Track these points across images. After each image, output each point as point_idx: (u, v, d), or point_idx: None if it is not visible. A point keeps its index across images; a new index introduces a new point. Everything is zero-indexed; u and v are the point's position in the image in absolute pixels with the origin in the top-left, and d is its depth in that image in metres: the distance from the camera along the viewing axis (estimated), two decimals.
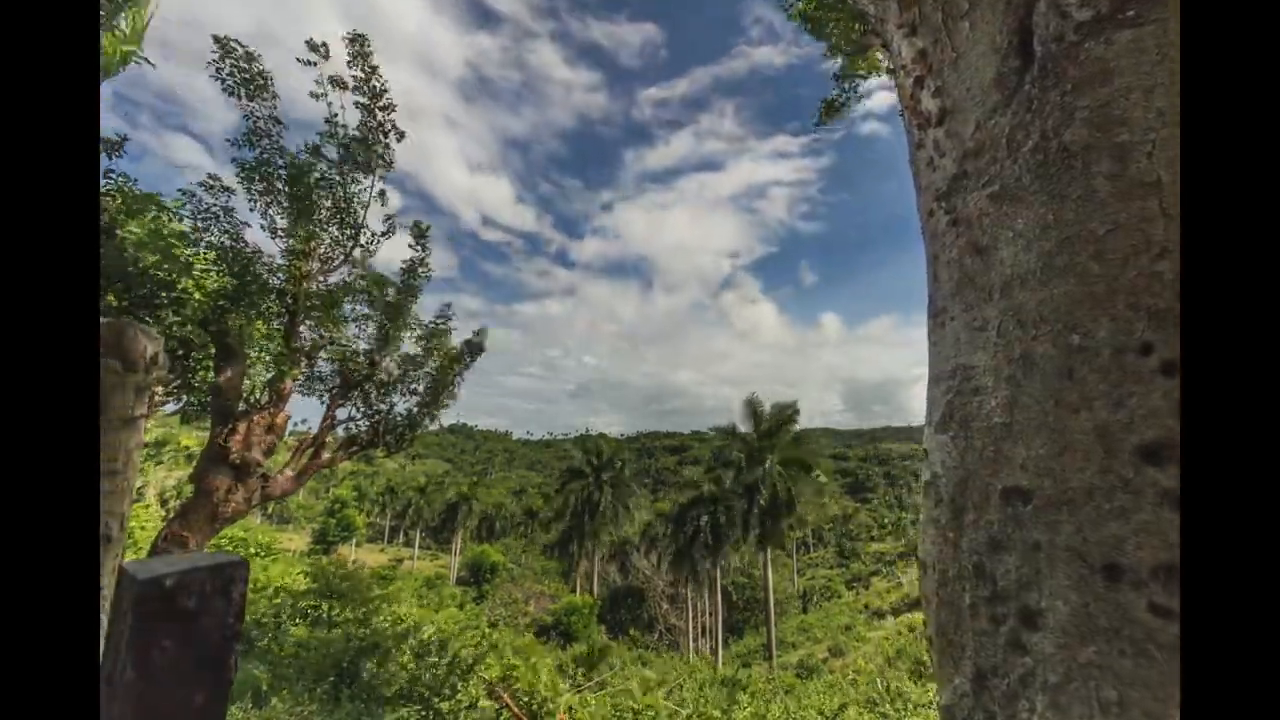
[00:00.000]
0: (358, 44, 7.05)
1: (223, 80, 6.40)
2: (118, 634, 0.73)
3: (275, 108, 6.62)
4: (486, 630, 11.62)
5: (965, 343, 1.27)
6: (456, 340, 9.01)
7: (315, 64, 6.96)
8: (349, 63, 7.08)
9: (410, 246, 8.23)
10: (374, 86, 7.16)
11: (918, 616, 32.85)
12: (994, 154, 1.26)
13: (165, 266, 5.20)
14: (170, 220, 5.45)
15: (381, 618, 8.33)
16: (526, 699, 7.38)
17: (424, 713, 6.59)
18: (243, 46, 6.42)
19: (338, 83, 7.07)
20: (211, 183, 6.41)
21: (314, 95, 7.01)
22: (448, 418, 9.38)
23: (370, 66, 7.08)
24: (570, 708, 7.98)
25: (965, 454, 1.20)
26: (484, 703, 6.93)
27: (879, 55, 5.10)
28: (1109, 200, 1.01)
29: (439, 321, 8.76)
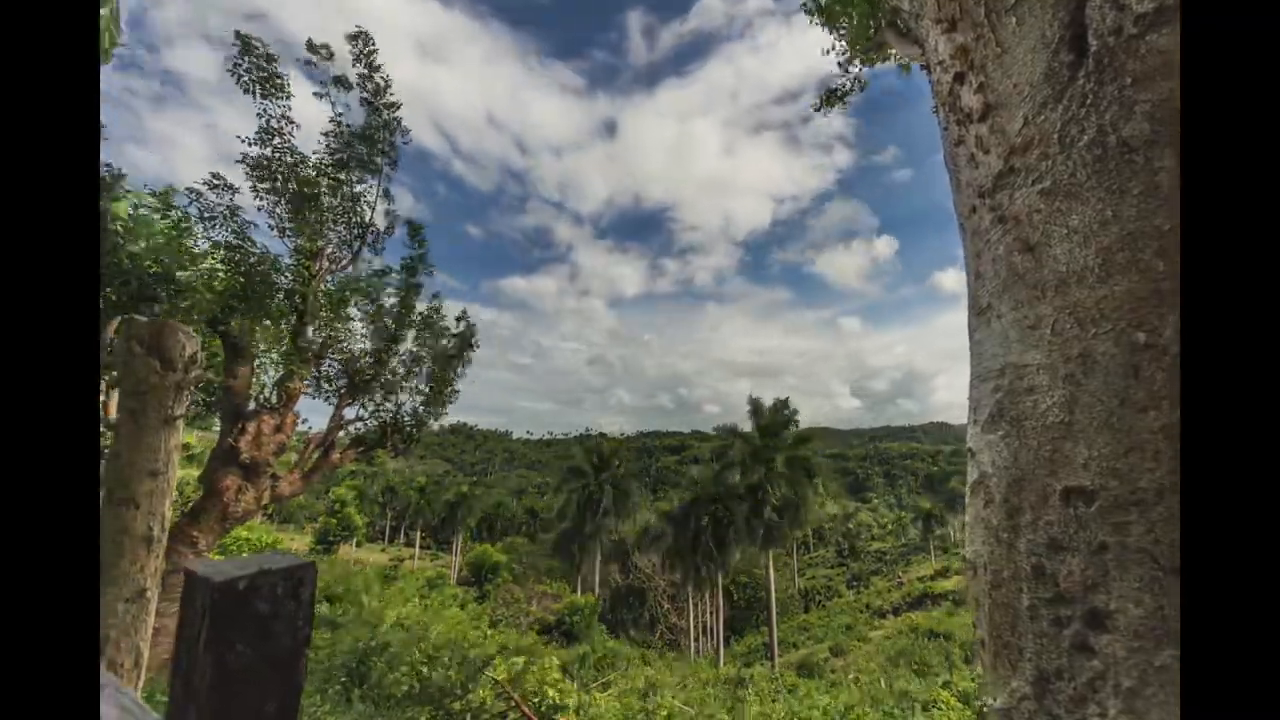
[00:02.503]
0: (360, 42, 7.18)
1: (239, 77, 6.38)
2: (191, 637, 0.71)
3: (289, 107, 6.62)
4: (489, 631, 11.61)
5: (1015, 341, 1.25)
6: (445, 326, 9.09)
7: (315, 64, 7.05)
8: (353, 60, 7.21)
9: (405, 245, 8.34)
10: (377, 83, 7.28)
11: (919, 616, 32.86)
12: (1044, 149, 1.24)
13: (156, 256, 5.11)
14: (145, 198, 5.37)
15: (388, 622, 8.33)
16: (535, 700, 7.38)
17: (435, 713, 6.59)
18: (264, 46, 6.42)
19: (342, 82, 7.15)
20: (216, 181, 6.40)
21: (317, 95, 7.07)
22: (448, 418, 9.43)
23: (372, 65, 7.22)
24: (579, 708, 7.97)
25: (1019, 453, 1.18)
26: (493, 704, 6.92)
27: (893, 51, 5.08)
28: (1174, 195, 0.99)
29: (430, 313, 8.72)
